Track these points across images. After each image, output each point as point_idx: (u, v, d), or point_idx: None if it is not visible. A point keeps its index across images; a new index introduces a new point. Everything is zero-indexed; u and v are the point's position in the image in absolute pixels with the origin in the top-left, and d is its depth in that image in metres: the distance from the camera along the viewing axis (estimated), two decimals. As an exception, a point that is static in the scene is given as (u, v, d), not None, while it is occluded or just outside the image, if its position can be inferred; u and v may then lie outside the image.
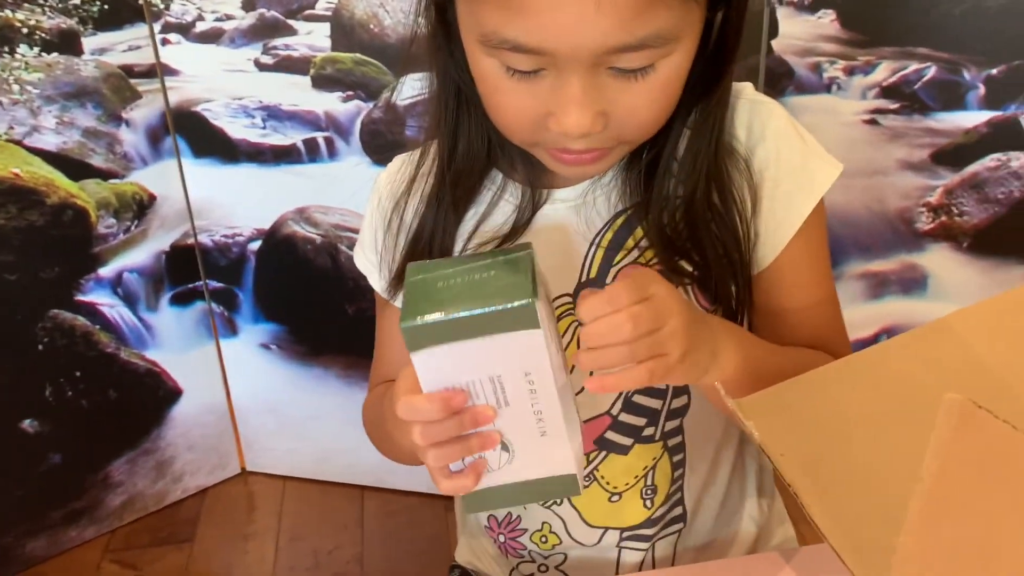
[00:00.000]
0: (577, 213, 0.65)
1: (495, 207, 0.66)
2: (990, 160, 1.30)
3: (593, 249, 0.65)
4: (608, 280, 0.65)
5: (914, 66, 1.27)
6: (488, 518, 0.76)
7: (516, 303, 0.47)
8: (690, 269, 0.64)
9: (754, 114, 0.65)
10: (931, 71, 1.26)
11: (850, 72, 1.28)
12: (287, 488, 1.63)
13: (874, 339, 1.43)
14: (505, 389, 0.50)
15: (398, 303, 0.70)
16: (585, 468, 0.69)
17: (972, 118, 1.28)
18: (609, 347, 0.50)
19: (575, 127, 0.54)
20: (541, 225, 0.66)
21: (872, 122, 1.30)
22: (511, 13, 0.51)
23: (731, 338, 0.58)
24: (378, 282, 0.72)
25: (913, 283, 1.38)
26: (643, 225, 0.64)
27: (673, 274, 0.64)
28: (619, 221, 0.65)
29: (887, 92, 1.28)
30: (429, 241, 0.66)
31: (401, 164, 0.71)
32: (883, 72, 1.28)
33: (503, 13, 0.51)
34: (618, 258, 0.65)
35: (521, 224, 0.65)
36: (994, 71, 1.25)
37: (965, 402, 0.37)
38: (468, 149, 0.64)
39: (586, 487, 0.68)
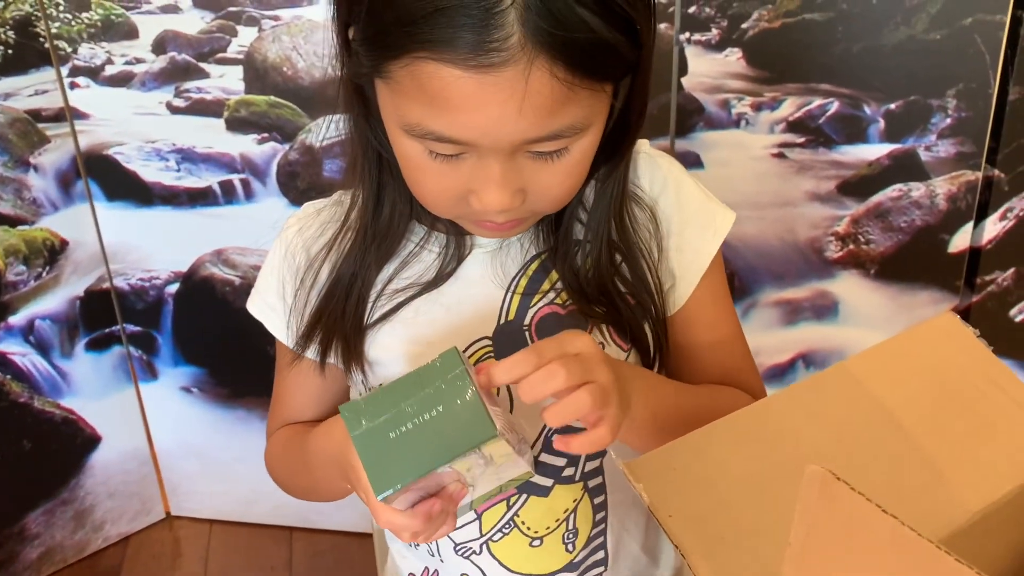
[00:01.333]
0: (494, 259, 0.68)
1: (415, 257, 0.67)
2: (893, 190, 1.35)
3: (509, 295, 0.67)
4: (526, 321, 0.67)
5: (818, 101, 1.31)
6: (408, 575, 0.76)
7: (482, 440, 0.50)
8: (602, 311, 0.66)
9: (654, 168, 0.69)
10: (834, 106, 1.31)
11: (757, 108, 1.32)
12: (213, 531, 1.61)
13: (790, 364, 1.47)
14: (473, 473, 0.54)
15: (311, 354, 0.69)
16: (505, 515, 0.71)
17: (874, 151, 1.33)
18: (572, 397, 0.52)
19: (496, 204, 0.57)
20: (460, 274, 0.67)
21: (780, 155, 1.34)
22: (435, 110, 0.53)
23: (640, 385, 0.60)
24: (283, 334, 0.72)
25: (825, 309, 1.43)
26: (556, 270, 0.67)
27: (588, 316, 0.66)
28: (533, 266, 0.68)
29: (793, 127, 1.33)
30: (346, 294, 0.67)
31: (314, 215, 0.71)
32: (789, 107, 1.32)
33: (427, 110, 0.53)
34: (535, 300, 0.67)
35: (446, 274, 0.67)
36: (892, 106, 1.30)
37: (825, 473, 0.39)
38: (392, 210, 0.65)
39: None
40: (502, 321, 0.67)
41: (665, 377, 0.69)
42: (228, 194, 1.33)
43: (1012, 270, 1.39)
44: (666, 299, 0.68)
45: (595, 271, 0.66)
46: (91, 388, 1.46)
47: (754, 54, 1.29)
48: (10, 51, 1.24)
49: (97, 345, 1.44)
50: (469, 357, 0.67)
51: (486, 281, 0.67)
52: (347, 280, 0.66)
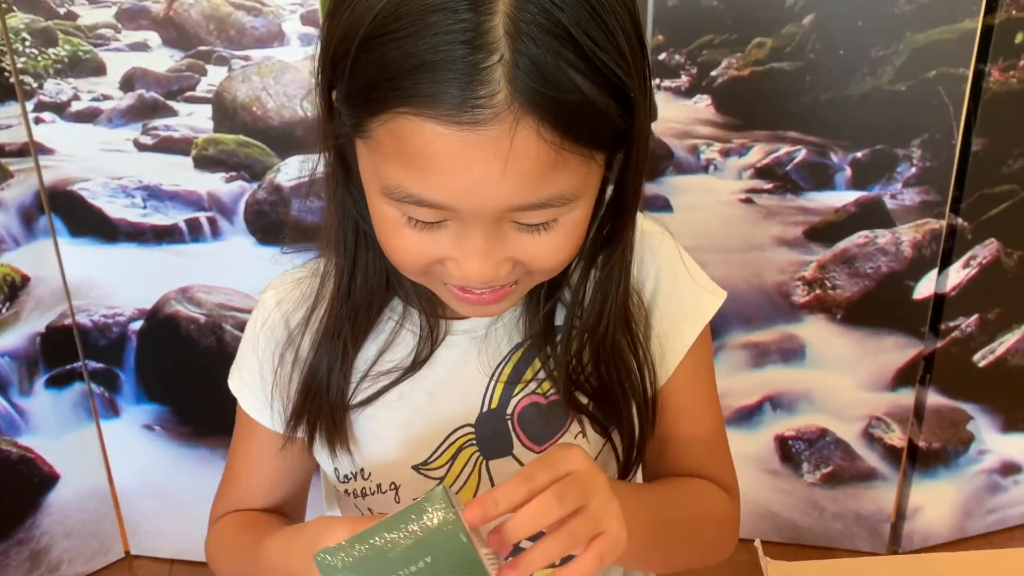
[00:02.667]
0: (477, 345, 0.65)
1: (396, 336, 0.65)
2: (859, 237, 1.36)
3: (493, 383, 0.65)
4: (509, 410, 0.65)
5: (785, 148, 1.33)
6: None
7: None
8: (586, 402, 0.65)
9: (644, 246, 0.66)
10: (801, 153, 1.33)
11: (726, 154, 1.34)
12: (173, 571, 1.57)
13: (758, 406, 1.47)
14: None
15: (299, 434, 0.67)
16: None
17: (841, 198, 1.34)
18: (548, 539, 0.49)
19: (478, 275, 0.54)
20: (442, 358, 0.65)
21: (748, 201, 1.36)
22: (416, 171, 0.50)
23: (634, 504, 0.56)
24: (261, 412, 0.69)
25: (792, 352, 1.44)
26: (540, 357, 0.65)
27: (570, 407, 0.64)
28: (517, 355, 0.66)
29: (761, 173, 1.34)
30: (327, 376, 0.64)
31: (292, 285, 0.68)
32: (757, 154, 1.33)
33: (408, 171, 0.50)
34: (517, 389, 0.65)
35: (421, 360, 0.64)
36: (859, 154, 1.32)
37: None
38: (366, 282, 0.62)
39: None
40: (484, 409, 0.65)
41: (650, 487, 0.66)
42: (195, 232, 1.32)
43: (975, 316, 1.41)
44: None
45: (589, 363, 0.63)
46: (50, 426, 1.43)
47: (723, 101, 1.31)
48: (-27, 85, 1.23)
49: (58, 382, 1.41)
50: (451, 445, 0.66)
51: (469, 367, 0.65)
52: (327, 361, 0.64)
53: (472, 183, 0.50)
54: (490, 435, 0.65)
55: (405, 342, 0.65)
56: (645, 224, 0.67)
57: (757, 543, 0.54)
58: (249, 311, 1.35)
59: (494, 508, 0.49)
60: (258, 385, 0.68)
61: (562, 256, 0.56)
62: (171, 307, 1.37)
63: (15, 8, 1.21)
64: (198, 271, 1.34)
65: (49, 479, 1.45)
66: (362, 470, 0.67)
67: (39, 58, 1.24)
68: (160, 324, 1.38)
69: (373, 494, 0.68)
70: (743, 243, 1.37)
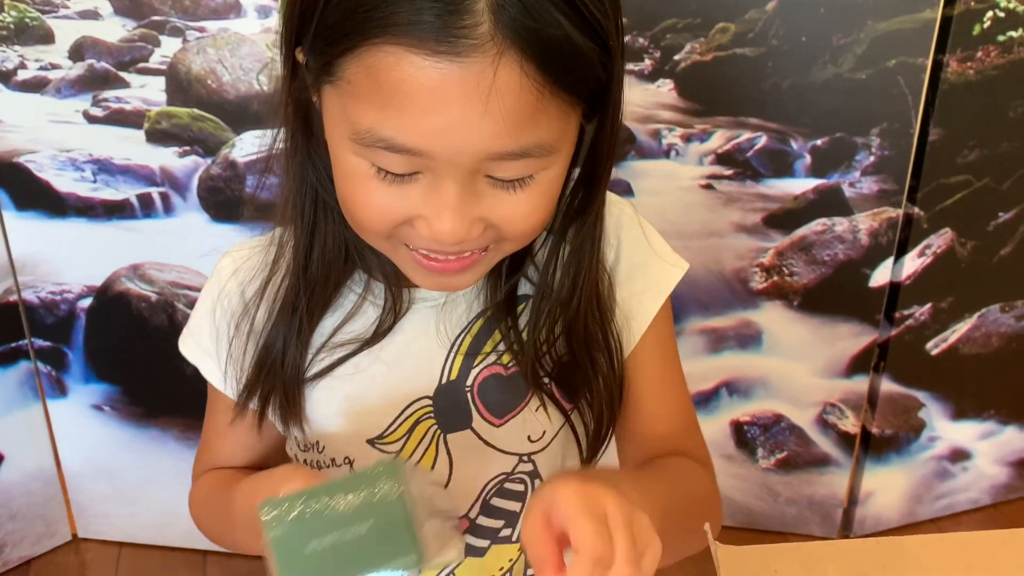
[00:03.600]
0: (437, 315, 0.64)
1: (358, 310, 0.64)
2: (817, 224, 1.37)
3: (452, 355, 0.64)
4: (468, 382, 0.64)
5: (746, 135, 1.33)
6: None
7: (404, 568, 0.47)
8: (545, 374, 0.64)
9: (605, 216, 0.65)
10: (762, 140, 1.33)
11: (687, 139, 1.33)
12: (123, 554, 1.54)
13: (714, 391, 1.48)
14: None
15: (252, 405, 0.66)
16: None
17: (800, 185, 1.35)
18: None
19: (449, 234, 0.52)
20: (402, 329, 0.64)
21: (708, 187, 1.36)
22: (391, 111, 0.48)
23: (640, 496, 0.54)
24: (219, 380, 0.68)
25: (749, 339, 1.44)
26: (501, 329, 0.63)
27: (531, 380, 0.63)
28: (477, 325, 0.64)
29: (722, 159, 1.34)
30: (282, 351, 0.63)
31: (247, 257, 0.67)
32: (718, 140, 1.33)
33: (382, 111, 0.48)
34: (477, 362, 0.64)
35: (384, 330, 0.63)
36: (819, 142, 1.32)
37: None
38: (323, 254, 0.61)
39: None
40: (443, 381, 0.64)
41: (648, 476, 0.64)
42: (147, 207, 1.28)
43: (929, 305, 1.43)
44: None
45: (545, 332, 0.63)
46: (-6, 405, 1.39)
47: (685, 86, 1.30)
48: (-86, 51, 1.18)
49: (2, 360, 1.37)
50: (408, 418, 0.65)
51: (428, 338, 0.64)
52: (283, 334, 0.62)
53: (451, 121, 0.48)
54: (448, 408, 0.64)
55: (366, 314, 0.64)
56: (608, 193, 0.66)
57: (707, 527, 0.54)
58: (201, 289, 1.34)
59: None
60: (216, 354, 0.67)
61: (535, 218, 0.55)
62: (121, 284, 1.34)
63: (-42, -29, 1.17)
64: (150, 248, 1.31)
65: (-7, 460, 1.41)
66: (317, 443, 0.66)
67: (-16, 24, 1.20)
68: (110, 302, 1.35)
69: (327, 467, 0.67)
70: (702, 229, 1.38)
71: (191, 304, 1.34)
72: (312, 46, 0.51)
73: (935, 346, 1.47)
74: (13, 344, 1.38)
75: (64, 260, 1.34)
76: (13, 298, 1.36)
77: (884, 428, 1.50)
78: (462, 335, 0.64)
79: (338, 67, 0.50)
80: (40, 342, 1.39)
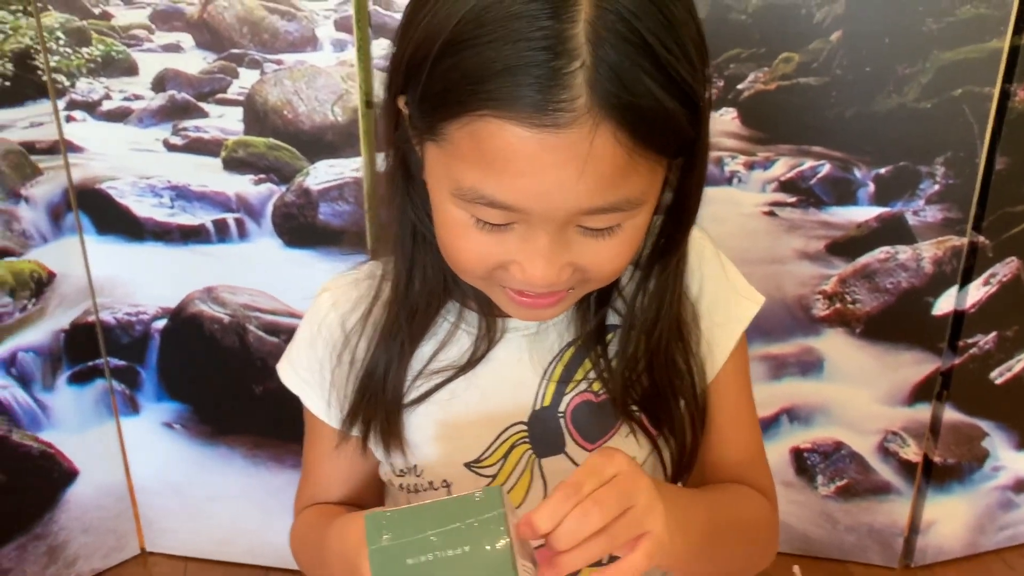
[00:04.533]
0: (530, 344, 0.66)
1: (452, 337, 0.66)
2: (880, 252, 1.37)
3: (544, 382, 0.67)
4: (561, 408, 0.67)
5: (809, 163, 1.33)
6: None
7: None
8: (634, 402, 0.66)
9: (690, 252, 0.67)
10: (825, 168, 1.33)
11: (750, 167, 1.34)
12: (189, 569, 1.58)
13: (775, 418, 1.48)
14: None
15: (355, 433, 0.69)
16: None
17: (863, 213, 1.35)
18: (586, 542, 0.49)
19: (540, 278, 0.55)
20: (495, 356, 0.66)
21: (771, 214, 1.36)
22: (492, 173, 0.51)
23: (682, 507, 0.57)
24: (320, 409, 0.71)
25: (810, 365, 1.44)
26: (591, 358, 0.66)
27: (621, 405, 0.65)
28: (568, 353, 0.67)
29: (784, 186, 1.35)
30: (383, 376, 0.66)
31: (348, 287, 0.69)
32: (781, 168, 1.34)
33: (484, 173, 0.52)
34: (570, 386, 0.67)
35: (478, 357, 0.66)
36: (882, 170, 1.32)
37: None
38: (424, 283, 0.64)
39: None
40: (537, 407, 0.67)
41: (698, 490, 0.67)
42: (221, 232, 1.33)
43: (994, 334, 1.42)
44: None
45: (631, 361, 0.65)
46: (71, 422, 1.44)
47: (749, 114, 1.31)
48: (7, 83, 1.23)
49: (80, 378, 1.42)
50: (504, 443, 0.67)
51: (522, 365, 0.66)
52: (384, 360, 0.65)
53: (549, 185, 0.51)
54: (542, 433, 0.66)
55: (460, 342, 0.66)
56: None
57: (796, 570, 0.55)
58: (273, 312, 1.38)
59: (545, 522, 0.50)
60: (318, 384, 0.69)
61: (619, 262, 0.58)
62: (195, 306, 1.38)
63: (50, 7, 1.22)
64: (223, 271, 1.35)
65: (68, 474, 1.46)
66: (415, 467, 0.68)
67: (72, 57, 1.25)
68: (184, 323, 1.39)
69: (425, 490, 0.69)
70: (765, 256, 1.38)
71: (262, 326, 1.38)
72: (418, 106, 0.54)
73: (999, 375, 1.46)
74: (90, 363, 1.43)
75: (141, 283, 1.38)
76: (91, 319, 1.40)
77: (946, 457, 1.49)
78: (553, 363, 0.67)
79: (442, 128, 0.53)
80: (115, 361, 1.44)
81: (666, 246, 0.63)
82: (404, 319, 0.65)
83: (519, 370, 0.66)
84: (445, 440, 0.67)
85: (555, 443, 0.67)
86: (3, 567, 1.43)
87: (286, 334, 1.37)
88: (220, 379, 1.43)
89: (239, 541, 1.55)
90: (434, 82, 0.52)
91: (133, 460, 1.52)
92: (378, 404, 0.66)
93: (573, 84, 0.49)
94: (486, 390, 0.67)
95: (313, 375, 0.70)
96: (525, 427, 0.67)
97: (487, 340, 0.66)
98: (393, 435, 0.67)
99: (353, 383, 0.67)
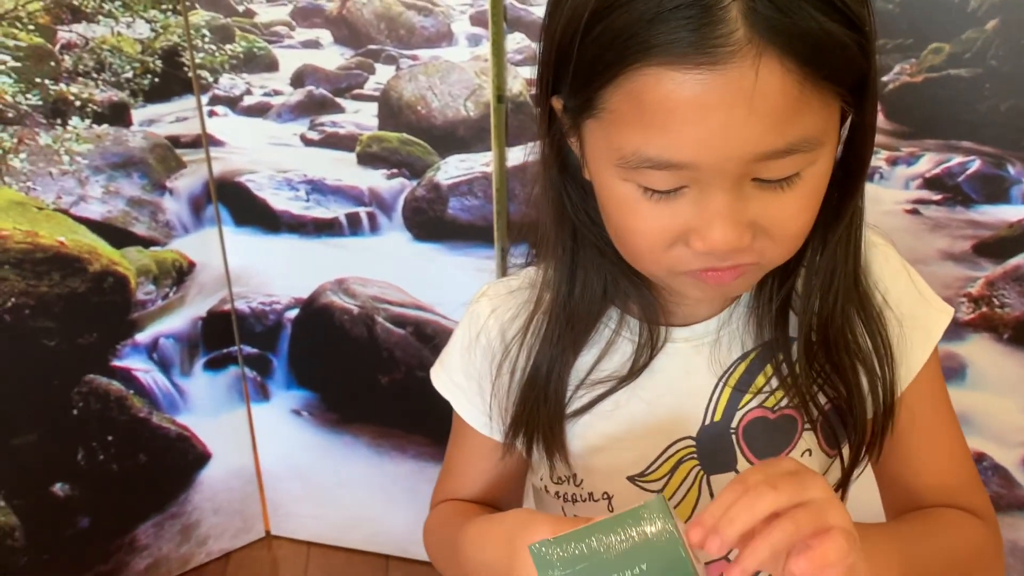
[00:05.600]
0: (700, 352, 0.64)
1: (612, 345, 0.64)
2: (1033, 254, 1.29)
3: (720, 387, 0.64)
4: (734, 424, 0.64)
5: (957, 159, 1.27)
6: None
7: None
8: (823, 404, 0.62)
9: (871, 256, 0.64)
10: (975, 164, 1.26)
11: (893, 162, 1.29)
12: (311, 554, 1.62)
13: (910, 425, 1.42)
14: None
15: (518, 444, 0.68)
16: None
17: (1017, 212, 1.28)
18: (767, 528, 0.46)
19: (722, 242, 0.51)
20: (661, 366, 0.64)
21: (914, 212, 1.30)
22: (655, 129, 0.49)
23: (877, 537, 0.54)
24: (470, 414, 0.70)
25: (952, 372, 1.37)
26: (772, 364, 0.63)
27: (803, 417, 0.62)
28: (748, 360, 0.64)
29: (930, 183, 1.28)
30: (545, 385, 0.64)
31: (507, 295, 0.68)
32: (926, 164, 1.28)
33: (646, 131, 0.50)
34: (744, 400, 0.64)
35: (640, 367, 0.63)
36: (1039, 167, 1.25)
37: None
38: (585, 289, 0.62)
39: None
40: (707, 421, 0.64)
41: (896, 521, 0.63)
42: (354, 226, 1.35)
43: None
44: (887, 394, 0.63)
45: (822, 355, 0.61)
46: (206, 406, 1.49)
47: (893, 108, 1.26)
48: (156, 79, 1.28)
49: (214, 365, 1.47)
50: (671, 458, 0.65)
51: (690, 376, 0.64)
52: (545, 369, 0.64)
53: (716, 128, 0.48)
54: (712, 449, 0.64)
55: (622, 350, 0.65)
56: (869, 233, 0.65)
57: None
58: (401, 304, 1.39)
59: (711, 520, 0.47)
60: (476, 393, 0.69)
61: (804, 218, 0.54)
62: (326, 297, 1.41)
63: (197, 5, 1.27)
64: (354, 264, 1.38)
65: (202, 457, 1.51)
66: (574, 476, 0.67)
67: (216, 54, 1.29)
68: (314, 313, 1.42)
69: (584, 501, 0.68)
70: (907, 256, 1.29)
71: (390, 318, 1.40)
72: (571, 87, 0.53)
73: None
74: (225, 350, 1.48)
75: (275, 273, 1.42)
76: (227, 307, 1.45)
77: (1100, 473, 1.40)
78: (732, 368, 0.64)
79: (599, 100, 0.51)
80: (248, 349, 1.48)
81: (836, 208, 0.58)
82: (565, 326, 0.63)
83: (687, 382, 0.64)
84: (608, 452, 0.66)
85: (726, 460, 0.65)
86: (141, 543, 1.50)
87: (413, 326, 1.39)
88: (347, 369, 1.45)
89: (361, 528, 1.58)
90: (586, 53, 0.50)
91: (262, 445, 1.56)
92: (540, 414, 0.65)
93: (728, 18, 0.47)
94: (651, 403, 0.65)
95: (470, 382, 0.69)
96: (694, 442, 0.65)
97: (649, 348, 0.63)
98: (557, 445, 0.66)
99: (515, 394, 0.66)
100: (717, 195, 0.51)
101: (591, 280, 0.62)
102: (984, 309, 1.33)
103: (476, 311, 0.70)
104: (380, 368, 1.43)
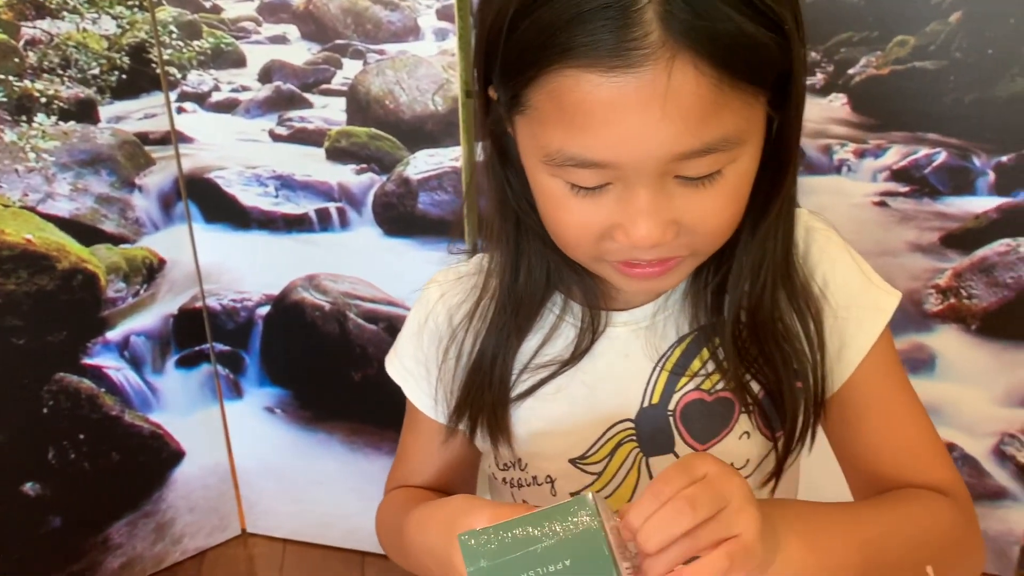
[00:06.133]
0: (638, 337, 0.65)
1: (556, 330, 0.65)
2: (1000, 245, 1.30)
3: (657, 372, 0.64)
4: (671, 407, 0.65)
5: (924, 151, 1.28)
6: None
7: None
8: (757, 390, 0.63)
9: (810, 240, 0.64)
10: (941, 156, 1.27)
11: (860, 155, 1.29)
12: (287, 551, 1.62)
13: (881, 417, 1.42)
14: None
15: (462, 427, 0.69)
16: None
17: (982, 203, 1.29)
18: (673, 546, 0.47)
19: (645, 238, 0.53)
20: (602, 350, 0.65)
21: (882, 204, 1.31)
22: (575, 130, 0.50)
23: (797, 524, 0.53)
24: (421, 400, 0.71)
25: (921, 363, 1.38)
26: (708, 348, 0.63)
27: (739, 398, 0.63)
28: (684, 343, 0.65)
29: (897, 175, 1.29)
30: (490, 369, 0.65)
31: (455, 281, 0.69)
32: (893, 156, 1.29)
33: (567, 131, 0.50)
34: (681, 383, 0.64)
35: (582, 351, 0.64)
36: (1004, 158, 1.25)
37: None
38: (529, 275, 0.63)
39: None
40: (645, 404, 0.65)
41: (843, 504, 0.61)
42: (324, 221, 1.35)
43: (1124, 333, 1.33)
44: (825, 379, 0.63)
45: (753, 345, 0.62)
46: (178, 404, 1.49)
47: (860, 100, 1.26)
48: (124, 76, 1.28)
49: (187, 362, 1.47)
50: (610, 440, 0.65)
51: (629, 360, 0.65)
52: (491, 354, 0.65)
53: (632, 130, 0.49)
54: (651, 431, 0.65)
55: (565, 335, 0.65)
56: (809, 219, 0.65)
57: (929, 570, 0.51)
58: (373, 300, 1.39)
59: (638, 519, 0.48)
60: (423, 377, 0.70)
61: (726, 215, 0.55)
62: (297, 294, 1.41)
63: (164, 2, 1.26)
64: (325, 260, 1.38)
65: (176, 455, 1.51)
66: (519, 460, 0.68)
67: (184, 50, 1.29)
68: (286, 310, 1.42)
69: (529, 485, 0.68)
70: (875, 248, 1.33)
71: (362, 314, 1.40)
72: (500, 81, 0.54)
73: None
74: (197, 348, 1.47)
75: (245, 270, 1.42)
76: (198, 304, 1.45)
77: (1069, 462, 1.41)
78: (668, 352, 0.65)
79: (524, 97, 0.52)
80: (220, 346, 1.48)
81: (768, 194, 0.58)
82: (511, 312, 0.64)
83: (626, 365, 0.65)
84: (550, 436, 0.66)
85: (664, 442, 0.65)
86: (114, 542, 1.50)
87: (385, 322, 1.39)
88: (320, 366, 1.45)
89: (337, 525, 1.58)
90: (511, 50, 0.51)
91: (236, 443, 1.56)
92: (485, 398, 0.66)
93: (643, 20, 0.47)
94: (592, 386, 0.65)
95: (418, 366, 0.70)
96: (632, 425, 0.65)
97: (591, 332, 0.64)
98: (500, 429, 0.66)
99: (460, 378, 0.67)
100: (640, 192, 0.52)
101: (534, 268, 0.63)
102: (952, 300, 1.34)
103: (426, 296, 0.70)
104: (353, 364, 1.43)
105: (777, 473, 0.66)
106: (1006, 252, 1.30)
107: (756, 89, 0.51)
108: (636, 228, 0.53)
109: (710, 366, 0.64)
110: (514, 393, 0.66)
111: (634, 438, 0.65)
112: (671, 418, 0.65)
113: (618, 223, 0.54)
